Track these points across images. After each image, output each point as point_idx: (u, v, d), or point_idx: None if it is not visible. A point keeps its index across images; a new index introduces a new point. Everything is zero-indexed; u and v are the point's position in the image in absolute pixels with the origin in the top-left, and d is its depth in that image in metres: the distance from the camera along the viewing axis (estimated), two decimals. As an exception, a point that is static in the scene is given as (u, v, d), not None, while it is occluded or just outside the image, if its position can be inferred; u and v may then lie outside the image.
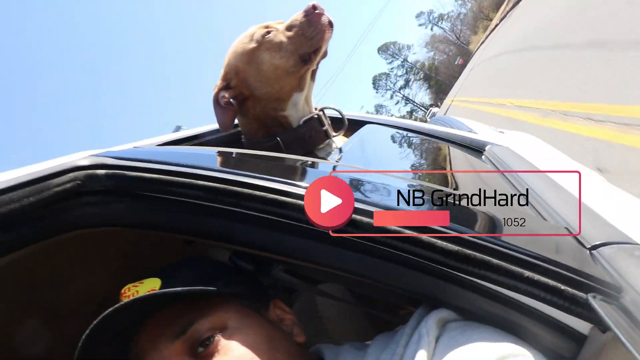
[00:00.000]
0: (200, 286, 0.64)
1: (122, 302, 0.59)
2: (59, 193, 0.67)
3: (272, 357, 0.61)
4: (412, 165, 1.29)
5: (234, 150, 1.00)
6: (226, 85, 1.23)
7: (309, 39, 1.14)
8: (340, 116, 1.36)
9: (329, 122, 1.30)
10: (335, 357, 0.68)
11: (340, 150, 1.15)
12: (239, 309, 0.66)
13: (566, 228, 0.74)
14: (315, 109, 1.32)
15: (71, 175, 0.69)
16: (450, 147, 1.50)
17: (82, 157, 0.74)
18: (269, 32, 1.17)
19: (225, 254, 0.75)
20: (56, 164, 0.71)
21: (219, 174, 0.68)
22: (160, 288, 0.63)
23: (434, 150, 1.55)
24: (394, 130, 1.64)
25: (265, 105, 1.22)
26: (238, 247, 0.70)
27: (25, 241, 0.65)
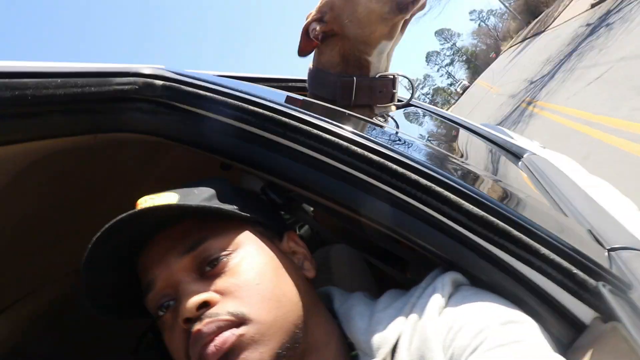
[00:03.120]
0: (221, 203, 0.64)
1: (129, 212, 0.58)
2: (117, 92, 0.69)
3: (278, 286, 0.61)
4: (456, 153, 1.31)
5: (291, 94, 1.01)
6: (319, 18, 1.22)
7: None
8: (411, 86, 1.37)
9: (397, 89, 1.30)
10: (345, 300, 0.69)
11: (397, 125, 1.16)
12: (252, 234, 0.65)
13: (589, 230, 0.76)
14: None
15: (131, 79, 0.71)
16: (492, 148, 1.51)
17: (146, 66, 0.77)
18: None
19: (258, 185, 0.77)
20: (121, 66, 0.74)
21: (270, 103, 0.70)
22: (179, 201, 0.63)
23: (477, 147, 1.56)
24: (443, 120, 1.66)
25: (352, 46, 1.21)
26: (273, 179, 0.72)
27: (79, 129, 0.68)
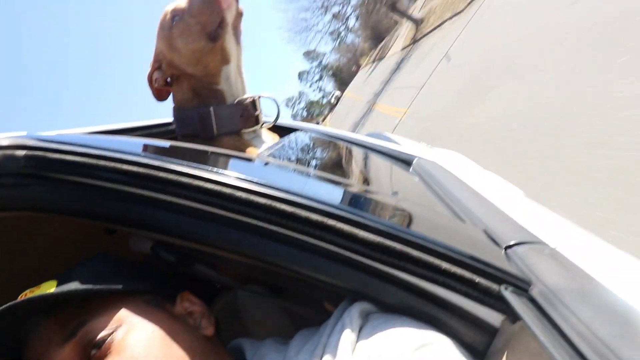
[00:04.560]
0: (97, 282, 0.62)
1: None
2: None
3: (168, 354, 0.58)
4: (342, 174, 1.31)
5: (164, 141, 0.97)
6: (158, 67, 1.25)
7: (209, 14, 1.13)
8: (276, 105, 1.40)
9: (261, 110, 1.31)
10: (256, 351, 0.67)
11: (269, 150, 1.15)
12: (137, 306, 0.63)
13: (484, 230, 0.77)
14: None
15: None
16: (380, 159, 1.53)
17: (3, 136, 0.69)
18: (175, 15, 1.16)
19: (147, 245, 0.72)
20: None
21: (145, 159, 0.66)
22: (57, 289, 0.60)
23: (362, 160, 1.58)
24: (324, 139, 1.66)
25: (198, 80, 1.23)
26: (161, 236, 0.68)
27: None
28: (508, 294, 0.56)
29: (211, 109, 1.21)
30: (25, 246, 0.89)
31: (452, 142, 5.34)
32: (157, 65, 1.24)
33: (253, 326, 0.86)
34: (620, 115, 3.13)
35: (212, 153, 0.92)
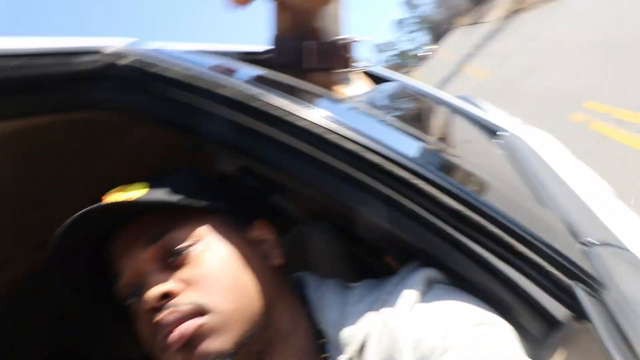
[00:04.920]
0: (184, 195, 0.64)
1: (90, 207, 0.59)
2: (80, 72, 0.66)
3: (239, 277, 0.61)
4: (430, 133, 1.29)
5: (261, 69, 0.98)
6: None
7: None
8: (370, 51, 1.41)
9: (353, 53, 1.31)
10: (318, 287, 0.69)
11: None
12: (217, 224, 0.66)
13: (566, 221, 0.75)
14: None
15: (94, 57, 0.68)
16: (469, 126, 1.49)
17: (114, 42, 0.72)
18: None
19: (232, 167, 0.74)
20: (83, 43, 0.70)
21: (240, 86, 0.67)
22: (146, 195, 0.64)
23: (451, 122, 1.54)
24: (415, 94, 1.63)
25: (299, 13, 1.23)
26: (248, 161, 0.70)
27: (43, 109, 0.65)
28: (579, 292, 0.54)
29: (307, 42, 1.21)
30: (113, 149, 0.94)
31: (513, 97, 7.93)
32: None
33: (317, 263, 0.88)
34: None
35: (307, 88, 0.92)
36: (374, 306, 0.59)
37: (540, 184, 0.94)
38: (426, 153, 0.77)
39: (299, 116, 0.64)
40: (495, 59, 12.71)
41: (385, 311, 0.57)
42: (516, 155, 1.18)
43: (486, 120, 1.51)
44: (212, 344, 0.56)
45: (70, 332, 1.09)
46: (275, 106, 0.65)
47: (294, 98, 0.68)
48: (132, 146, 0.94)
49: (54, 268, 0.63)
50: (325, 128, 0.63)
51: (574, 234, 0.71)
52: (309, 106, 0.67)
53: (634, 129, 4.07)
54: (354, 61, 1.29)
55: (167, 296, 0.57)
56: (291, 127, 0.63)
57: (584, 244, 0.68)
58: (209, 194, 0.69)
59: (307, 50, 1.21)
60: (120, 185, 0.67)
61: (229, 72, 0.76)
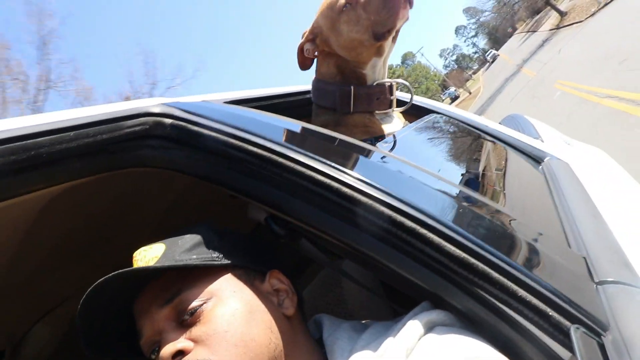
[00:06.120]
0: (199, 254, 0.71)
1: (106, 277, 0.65)
2: (129, 134, 0.77)
3: (248, 331, 0.65)
4: (464, 166, 1.31)
5: (292, 122, 1.06)
6: (312, 39, 1.31)
7: (384, 18, 1.16)
8: (410, 92, 1.46)
9: (395, 96, 1.37)
10: (333, 332, 0.73)
11: (394, 137, 1.19)
12: (229, 279, 0.71)
13: (584, 258, 0.76)
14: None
15: (142, 119, 0.78)
16: (510, 151, 1.50)
17: (153, 104, 0.82)
18: (348, 3, 1.19)
19: (262, 216, 0.81)
20: (130, 107, 0.81)
21: (270, 144, 0.75)
22: (164, 254, 0.70)
23: (492, 151, 1.55)
24: (456, 126, 1.64)
25: (346, 61, 1.29)
26: (275, 212, 0.77)
27: (96, 169, 0.75)
28: (576, 336, 0.56)
29: (352, 88, 1.26)
30: (156, 199, 1.05)
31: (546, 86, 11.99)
32: (312, 37, 1.30)
33: (351, 298, 0.94)
34: None
35: (333, 139, 0.98)
36: (378, 351, 0.62)
37: (572, 218, 0.95)
38: (441, 201, 0.81)
39: (318, 170, 0.71)
40: (539, 64, 18.91)
41: (387, 356, 0.60)
42: (556, 185, 1.18)
43: (530, 147, 1.50)
44: None
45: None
46: (298, 162, 0.73)
47: (317, 154, 0.75)
48: (177, 193, 1.04)
49: (82, 335, 0.69)
50: (341, 182, 0.70)
51: (593, 273, 0.72)
52: (331, 161, 0.74)
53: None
54: (394, 102, 1.34)
55: (180, 353, 0.63)
56: (310, 181, 0.71)
57: (597, 282, 0.69)
58: (224, 249, 0.74)
59: (350, 95, 1.27)
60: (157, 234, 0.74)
61: (259, 125, 0.83)
